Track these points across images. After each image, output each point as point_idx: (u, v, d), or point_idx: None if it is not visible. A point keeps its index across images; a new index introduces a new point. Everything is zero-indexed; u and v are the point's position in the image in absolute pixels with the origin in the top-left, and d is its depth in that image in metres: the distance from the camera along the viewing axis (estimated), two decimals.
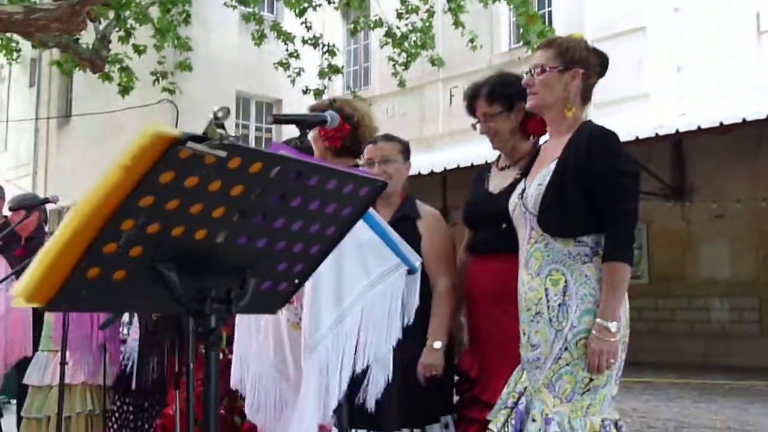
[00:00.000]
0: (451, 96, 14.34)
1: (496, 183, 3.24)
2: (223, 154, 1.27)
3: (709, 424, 6.95)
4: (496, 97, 3.20)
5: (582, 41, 2.85)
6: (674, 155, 12.49)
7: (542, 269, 2.69)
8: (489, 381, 3.08)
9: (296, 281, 1.71)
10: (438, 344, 3.25)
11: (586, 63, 2.79)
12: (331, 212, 1.59)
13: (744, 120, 9.08)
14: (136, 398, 4.70)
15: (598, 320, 2.58)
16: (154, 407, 4.54)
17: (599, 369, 2.57)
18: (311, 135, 2.94)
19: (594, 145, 2.69)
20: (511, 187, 2.98)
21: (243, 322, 2.84)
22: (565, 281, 2.65)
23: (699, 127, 9.45)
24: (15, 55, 11.79)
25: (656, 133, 9.68)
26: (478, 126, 3.29)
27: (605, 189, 2.65)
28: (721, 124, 9.28)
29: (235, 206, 1.41)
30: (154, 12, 9.81)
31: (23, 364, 4.91)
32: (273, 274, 1.63)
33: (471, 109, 3.32)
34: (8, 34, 9.99)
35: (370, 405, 2.71)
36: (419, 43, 10.23)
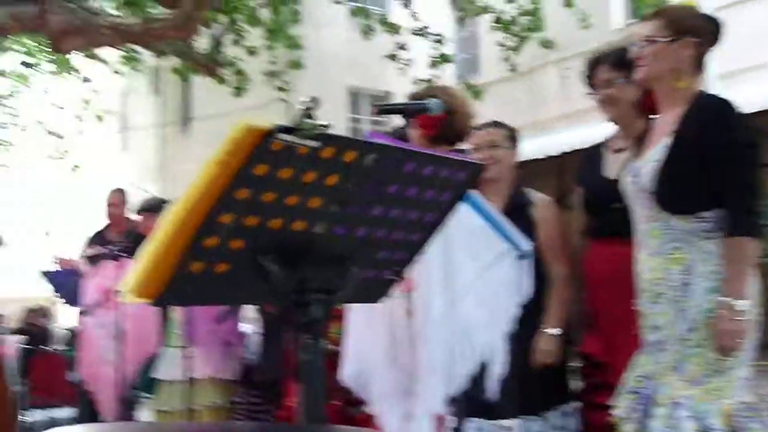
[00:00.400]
0: (564, 78, 14.03)
1: (611, 167, 3.14)
2: (314, 144, 1.27)
3: None
4: (622, 64, 3.08)
5: (692, 9, 2.73)
6: None
7: (661, 248, 2.59)
8: (615, 364, 3.00)
9: (399, 269, 1.70)
10: (553, 331, 3.20)
11: (697, 31, 2.66)
12: (430, 198, 1.57)
13: None
14: (259, 391, 4.82)
15: (724, 299, 2.46)
16: (277, 399, 4.64)
17: (728, 349, 2.46)
18: (407, 123, 2.93)
19: (709, 117, 2.57)
20: None
21: (355, 313, 2.86)
22: (687, 259, 2.54)
23: None
24: (137, 65, 12.35)
25: None
26: (593, 96, 3.20)
27: (723, 161, 2.53)
28: None
29: (332, 196, 1.41)
30: (265, 13, 10.02)
31: (155, 360, 5.12)
32: (374, 262, 1.62)
33: (590, 77, 3.23)
34: (130, 45, 10.42)
35: (486, 394, 2.68)
36: (529, 27, 10.06)
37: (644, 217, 2.67)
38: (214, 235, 1.31)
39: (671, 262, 2.56)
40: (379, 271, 1.66)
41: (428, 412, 2.60)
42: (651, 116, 3.06)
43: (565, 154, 10.79)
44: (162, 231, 1.30)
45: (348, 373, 2.81)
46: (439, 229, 1.69)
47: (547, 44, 10.41)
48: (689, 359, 2.51)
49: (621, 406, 2.67)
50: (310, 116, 1.25)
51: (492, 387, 2.68)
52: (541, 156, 10.62)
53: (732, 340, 2.45)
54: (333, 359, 3.57)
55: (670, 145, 2.60)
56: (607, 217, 3.11)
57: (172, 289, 1.35)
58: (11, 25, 8.43)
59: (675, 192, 2.57)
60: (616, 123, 3.22)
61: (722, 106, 2.60)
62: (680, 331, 2.52)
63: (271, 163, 1.28)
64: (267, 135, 1.23)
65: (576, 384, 3.35)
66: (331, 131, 1.31)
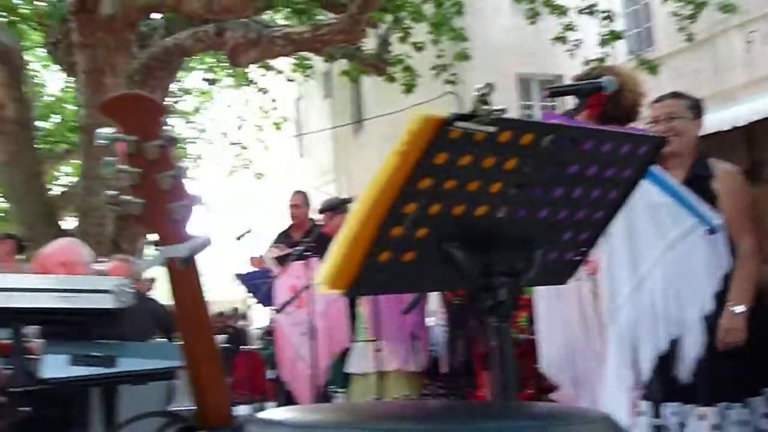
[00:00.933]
0: (749, 42, 13.22)
1: None
2: (492, 129, 1.28)
3: None
4: None
5: None
6: None
7: None
8: None
9: (583, 249, 1.68)
10: (739, 308, 3.00)
11: None
12: (611, 175, 1.54)
13: None
14: (446, 382, 4.88)
15: None
16: (464, 390, 4.67)
17: None
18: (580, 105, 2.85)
19: None
20: None
21: (543, 298, 2.84)
22: None
23: None
24: (309, 71, 12.79)
25: None
26: None
27: None
28: None
29: (512, 180, 1.41)
30: (429, 8, 10.10)
31: (346, 355, 5.29)
32: (558, 243, 1.61)
33: None
34: (301, 53, 10.80)
35: (682, 377, 2.59)
36: None
37: None
38: (400, 224, 1.35)
39: None
40: (564, 253, 1.65)
41: (618, 396, 2.55)
42: None
43: (753, 123, 10.18)
44: (350, 223, 1.35)
45: (544, 358, 2.79)
46: (622, 207, 1.65)
47: (727, 8, 9.83)
48: None
49: None
50: (485, 102, 1.26)
51: (685, 369, 2.58)
52: (727, 127, 10.05)
53: None
54: (522, 347, 3.55)
55: None
56: None
57: (363, 279, 1.39)
58: (194, 46, 8.99)
59: None
60: None
61: None
62: None
63: (451, 151, 1.30)
64: (444, 124, 1.25)
65: None
66: (506, 115, 1.31)
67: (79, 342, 2.18)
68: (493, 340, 1.47)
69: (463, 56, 10.24)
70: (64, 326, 2.31)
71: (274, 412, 1.15)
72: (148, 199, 1.19)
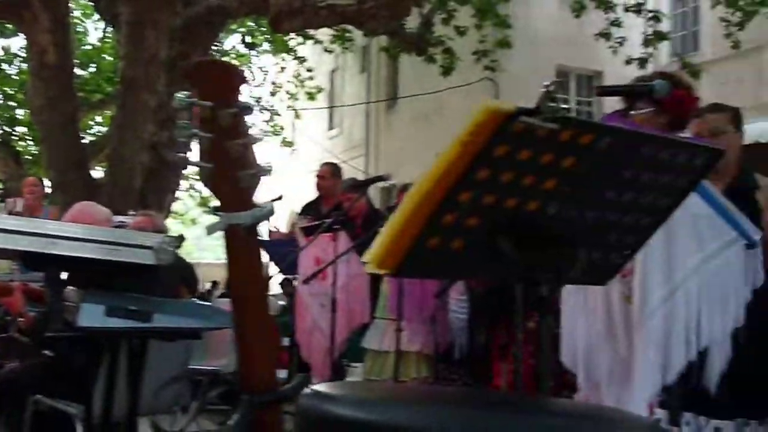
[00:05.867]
0: None
1: None
2: (554, 126, 1.29)
3: None
4: None
5: None
6: None
7: None
8: None
9: (627, 252, 1.69)
10: None
11: None
12: (665, 183, 1.54)
13: None
14: (460, 369, 4.89)
15: None
16: (478, 379, 4.69)
17: None
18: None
19: None
20: None
21: (571, 296, 2.83)
22: None
23: None
24: (348, 44, 12.78)
25: None
26: None
27: None
28: None
29: (566, 178, 1.42)
30: None
31: (364, 330, 5.30)
32: (603, 245, 1.62)
33: None
34: (343, 25, 10.77)
35: (708, 388, 2.58)
36: (756, 0, 9.44)
37: None
38: (453, 211, 1.36)
39: None
40: (607, 254, 1.65)
41: (640, 400, 2.55)
42: None
43: None
44: (404, 206, 1.36)
45: (565, 354, 2.80)
46: (670, 215, 1.66)
47: None
48: None
49: None
50: (552, 99, 1.26)
51: (709, 381, 2.58)
52: (766, 140, 9.94)
53: None
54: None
55: None
56: None
57: (409, 262, 1.41)
58: (238, 9, 9.00)
59: None
60: None
61: None
62: None
63: (512, 145, 1.31)
64: (510, 117, 1.26)
65: None
66: (569, 114, 1.32)
67: (116, 294, 2.21)
68: (518, 332, 1.49)
69: (505, 44, 10.17)
70: (102, 278, 2.34)
71: (327, 386, 1.17)
72: (217, 165, 1.21)
